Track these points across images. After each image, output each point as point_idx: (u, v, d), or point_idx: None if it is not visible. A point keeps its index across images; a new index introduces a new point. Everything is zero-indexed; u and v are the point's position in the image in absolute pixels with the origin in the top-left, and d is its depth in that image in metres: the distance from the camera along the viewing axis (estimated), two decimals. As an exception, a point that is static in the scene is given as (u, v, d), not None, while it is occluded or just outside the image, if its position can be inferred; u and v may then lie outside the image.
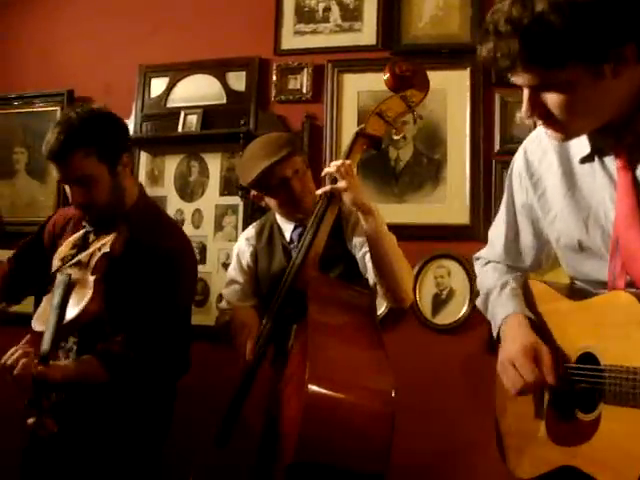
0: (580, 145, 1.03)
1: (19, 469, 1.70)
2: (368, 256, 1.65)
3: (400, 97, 1.59)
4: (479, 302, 1.32)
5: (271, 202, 1.77)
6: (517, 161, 1.21)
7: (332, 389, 1.30)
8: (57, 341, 1.41)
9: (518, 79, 0.94)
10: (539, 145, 1.13)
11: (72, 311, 1.44)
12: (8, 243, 2.26)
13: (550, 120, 0.96)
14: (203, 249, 2.51)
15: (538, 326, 1.15)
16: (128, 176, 1.69)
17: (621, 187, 0.99)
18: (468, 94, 2.31)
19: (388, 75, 1.60)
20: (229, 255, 2.47)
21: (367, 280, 1.67)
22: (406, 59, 1.88)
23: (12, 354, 1.41)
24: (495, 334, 1.20)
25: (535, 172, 1.16)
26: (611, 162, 1.01)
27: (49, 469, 1.64)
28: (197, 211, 2.55)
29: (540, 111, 0.95)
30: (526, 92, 0.95)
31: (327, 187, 1.54)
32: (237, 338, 1.64)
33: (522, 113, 0.98)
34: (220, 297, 1.96)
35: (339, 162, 1.54)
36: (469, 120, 2.30)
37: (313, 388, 1.27)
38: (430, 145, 2.33)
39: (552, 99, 0.93)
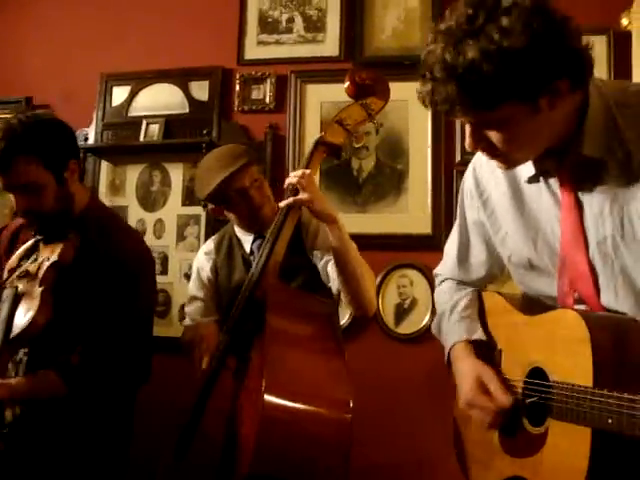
0: (526, 166, 1.05)
1: None
2: (330, 264, 1.65)
3: (360, 105, 1.59)
4: (433, 327, 1.34)
5: (230, 215, 1.76)
6: (467, 179, 1.23)
7: (289, 399, 1.29)
8: (4, 356, 1.38)
9: (459, 117, 0.95)
10: (487, 164, 1.14)
11: (19, 325, 1.41)
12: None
13: (494, 152, 0.98)
14: (165, 259, 2.49)
15: (487, 342, 1.18)
16: (76, 182, 1.64)
17: (565, 207, 1.02)
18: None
19: (348, 83, 1.59)
20: (191, 265, 2.45)
21: (330, 289, 1.67)
22: (368, 69, 1.89)
23: None
24: (446, 361, 1.23)
25: (484, 190, 1.18)
26: (555, 183, 1.03)
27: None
28: (159, 221, 2.52)
29: (483, 145, 0.97)
30: (468, 128, 0.97)
31: (290, 199, 1.52)
32: (193, 352, 1.63)
33: (466, 146, 1.00)
34: (183, 314, 1.93)
35: (299, 172, 1.53)
36: (430, 130, 2.34)
37: (269, 399, 1.26)
38: (392, 155, 2.36)
39: (493, 135, 0.95)
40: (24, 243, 1.67)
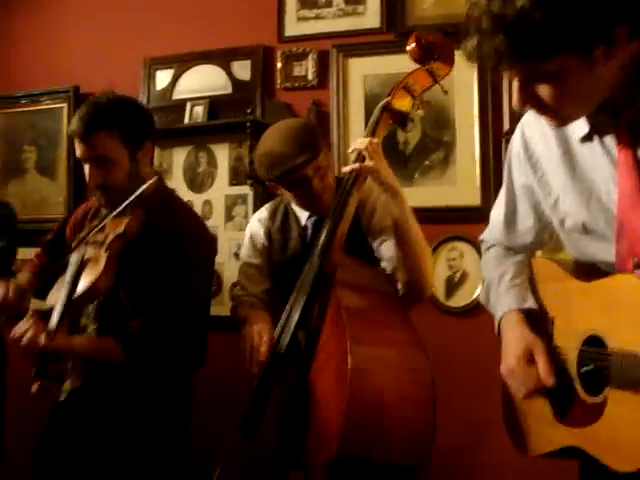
0: (578, 124, 1.00)
1: (38, 442, 1.73)
2: (385, 244, 1.62)
3: (426, 70, 1.53)
4: (481, 297, 1.31)
5: (288, 194, 1.73)
6: (515, 142, 1.18)
7: (376, 376, 1.28)
8: (67, 314, 1.42)
9: (507, 72, 0.91)
10: (536, 124, 1.10)
11: (82, 286, 1.46)
12: (22, 241, 2.28)
13: (544, 109, 0.94)
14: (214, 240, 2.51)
15: (539, 311, 1.13)
16: (147, 164, 1.70)
17: (622, 166, 0.96)
18: (475, 73, 2.28)
19: (414, 45, 1.51)
20: (240, 245, 2.47)
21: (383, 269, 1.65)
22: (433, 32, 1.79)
23: (20, 327, 1.43)
24: (496, 331, 1.19)
25: (534, 153, 1.13)
26: (611, 141, 0.98)
27: (66, 454, 1.66)
28: (207, 202, 2.56)
29: (532, 102, 0.93)
30: (516, 84, 0.92)
31: (356, 165, 1.48)
32: (244, 346, 1.61)
33: (514, 104, 0.95)
34: (233, 285, 1.94)
35: (366, 139, 1.49)
36: (477, 100, 2.28)
37: (356, 377, 1.24)
38: (438, 127, 2.31)
39: (544, 90, 0.90)
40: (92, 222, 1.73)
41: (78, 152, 1.61)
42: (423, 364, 1.34)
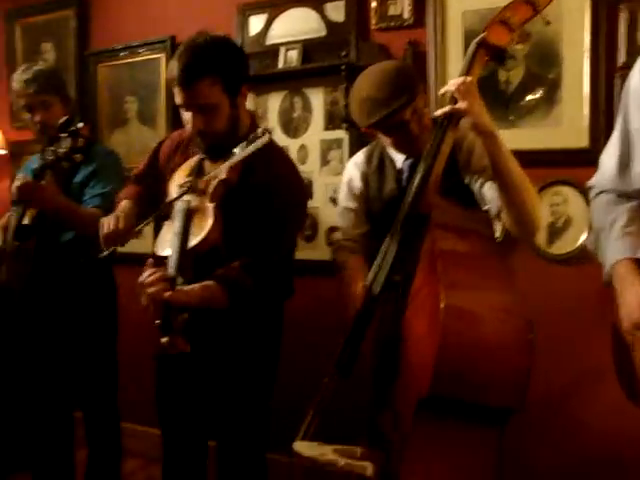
0: None
1: (155, 374, 1.89)
2: (486, 185, 1.58)
3: (525, 1, 1.45)
4: (589, 243, 1.24)
5: (384, 139, 1.71)
6: (633, 77, 1.09)
7: (469, 317, 1.27)
8: (181, 266, 1.45)
9: None
10: None
11: (195, 238, 1.49)
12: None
13: None
14: (310, 184, 2.53)
15: None
16: (243, 106, 1.71)
17: None
18: (588, 1, 2.10)
19: None
20: (336, 189, 2.47)
21: (485, 212, 1.61)
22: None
23: (148, 275, 1.47)
24: (605, 281, 1.13)
25: None
26: None
27: (180, 380, 1.81)
28: (302, 147, 2.56)
29: None
30: None
31: (447, 108, 1.45)
32: (344, 291, 1.66)
33: None
34: (329, 237, 1.97)
35: (459, 80, 1.44)
36: (589, 30, 2.09)
37: (449, 317, 1.23)
38: (544, 64, 2.17)
39: None
40: (183, 155, 1.77)
41: (178, 99, 1.60)
42: (519, 307, 1.31)
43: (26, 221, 2.15)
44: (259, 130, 1.56)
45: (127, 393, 2.62)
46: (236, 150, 1.55)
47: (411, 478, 1.32)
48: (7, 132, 3.35)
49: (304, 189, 1.78)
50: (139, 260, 1.56)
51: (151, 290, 1.43)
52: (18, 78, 2.29)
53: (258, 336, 1.77)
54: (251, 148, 1.53)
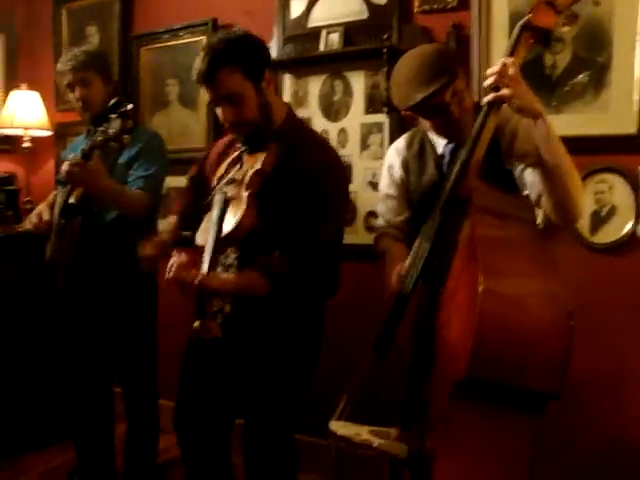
0: None
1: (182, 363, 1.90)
2: (528, 170, 1.56)
3: None
4: None
5: (425, 123, 1.70)
6: None
7: (507, 301, 1.25)
8: (216, 253, 1.48)
9: None
10: None
11: (228, 225, 1.52)
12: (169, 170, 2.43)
13: None
14: (349, 168, 2.52)
15: None
16: (272, 93, 1.73)
17: None
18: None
19: None
20: (375, 174, 2.47)
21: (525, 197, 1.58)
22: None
23: (175, 263, 1.51)
24: None
25: None
26: None
27: (207, 371, 1.82)
28: (342, 131, 2.55)
29: None
30: None
31: (490, 96, 1.42)
32: (390, 268, 1.66)
33: None
34: (368, 221, 1.96)
35: (500, 65, 1.41)
36: (641, 11, 2.02)
37: (487, 301, 1.22)
38: (592, 47, 2.10)
39: None
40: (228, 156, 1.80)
41: (208, 96, 1.66)
42: (559, 293, 1.29)
43: (72, 200, 2.20)
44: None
45: (165, 372, 2.68)
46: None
47: (446, 460, 1.32)
48: (53, 114, 3.43)
49: (345, 176, 1.78)
50: (180, 243, 1.60)
51: (182, 278, 1.47)
52: (62, 59, 2.37)
53: (296, 337, 1.78)
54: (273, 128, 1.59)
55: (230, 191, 1.61)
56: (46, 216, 2.32)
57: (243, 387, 1.81)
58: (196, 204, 1.87)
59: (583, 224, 2.15)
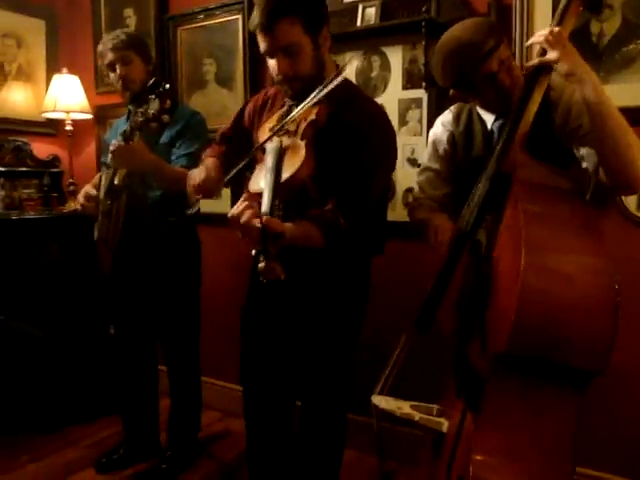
0: None
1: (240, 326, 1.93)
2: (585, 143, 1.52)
3: None
4: None
5: (474, 100, 1.66)
6: None
7: (551, 276, 1.24)
8: (275, 200, 1.44)
9: None
10: None
11: (287, 172, 1.49)
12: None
13: None
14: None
15: None
16: (327, 51, 1.70)
17: None
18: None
19: None
20: (414, 150, 2.44)
21: (579, 171, 1.54)
22: None
23: (238, 207, 1.47)
24: None
25: None
26: None
27: (264, 324, 1.85)
28: (380, 107, 2.52)
29: None
30: None
31: (535, 60, 1.39)
32: (436, 238, 1.64)
33: None
34: (407, 198, 1.93)
35: (546, 30, 1.38)
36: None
37: (530, 277, 1.22)
38: (642, 13, 2.03)
39: None
40: (271, 111, 1.79)
41: (262, 46, 1.61)
42: (605, 268, 1.26)
43: (116, 181, 2.24)
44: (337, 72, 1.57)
45: (208, 349, 2.73)
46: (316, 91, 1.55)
47: (488, 434, 1.31)
48: (92, 97, 3.49)
49: (393, 131, 1.73)
50: (219, 220, 1.59)
51: (244, 218, 1.42)
52: (103, 40, 2.41)
53: (347, 290, 1.79)
54: (331, 85, 1.52)
55: (284, 141, 1.58)
56: (92, 195, 2.37)
57: (300, 355, 1.84)
58: (232, 154, 1.85)
59: (630, 198, 2.09)
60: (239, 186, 1.75)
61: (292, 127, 1.59)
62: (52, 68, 3.55)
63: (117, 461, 2.58)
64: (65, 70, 3.38)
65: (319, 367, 1.82)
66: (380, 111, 1.75)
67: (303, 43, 1.59)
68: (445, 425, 1.49)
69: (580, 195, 1.47)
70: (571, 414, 1.31)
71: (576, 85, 1.40)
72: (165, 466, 2.52)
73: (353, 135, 1.61)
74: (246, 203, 1.44)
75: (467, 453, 1.33)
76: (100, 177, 2.42)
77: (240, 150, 1.80)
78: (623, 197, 2.09)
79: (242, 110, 1.97)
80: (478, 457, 1.31)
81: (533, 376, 1.29)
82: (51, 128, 3.62)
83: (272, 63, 1.64)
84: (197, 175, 1.72)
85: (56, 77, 3.36)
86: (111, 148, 2.19)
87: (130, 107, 2.42)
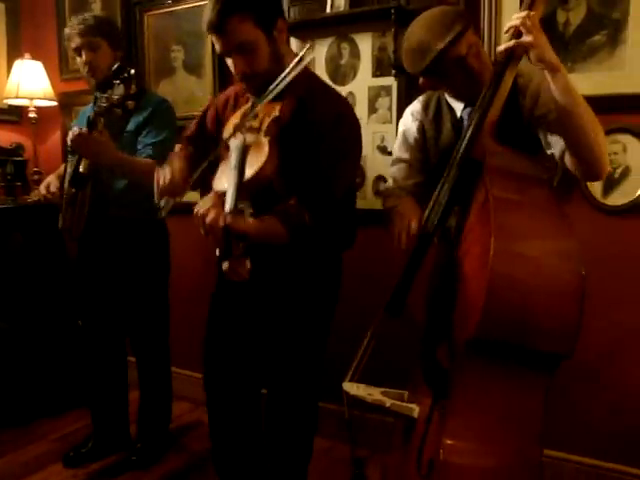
0: None
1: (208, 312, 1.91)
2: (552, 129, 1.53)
3: None
4: None
5: (443, 88, 1.67)
6: None
7: (520, 261, 1.26)
8: (238, 198, 1.43)
9: None
10: None
11: (250, 170, 1.48)
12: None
13: None
14: (357, 132, 2.48)
15: None
16: (285, 44, 1.68)
17: None
18: None
19: None
20: (384, 138, 2.44)
21: (546, 157, 1.56)
22: None
23: (203, 205, 1.46)
24: None
25: None
26: None
27: (232, 313, 1.83)
28: (350, 94, 2.50)
29: None
30: None
31: (511, 42, 1.39)
32: (394, 226, 1.64)
33: None
34: (377, 186, 1.93)
35: (523, 13, 1.38)
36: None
37: (499, 262, 1.23)
38: (607, 3, 2.04)
39: None
40: (235, 109, 1.76)
41: (218, 47, 1.59)
42: (573, 253, 1.29)
43: (81, 169, 2.20)
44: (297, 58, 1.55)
45: (179, 339, 2.71)
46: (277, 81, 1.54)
47: (458, 418, 1.33)
48: (57, 84, 3.40)
49: (358, 124, 1.72)
50: (188, 209, 1.57)
51: (208, 219, 1.42)
52: (70, 23, 2.35)
53: (316, 286, 1.78)
54: (289, 77, 1.51)
55: (248, 138, 1.56)
56: (54, 187, 2.32)
57: (266, 347, 1.83)
58: (198, 156, 1.80)
59: (596, 186, 2.13)
60: (208, 188, 1.72)
61: (256, 124, 1.57)
62: (14, 53, 3.44)
63: (85, 454, 2.54)
64: (27, 55, 3.28)
65: (285, 355, 1.81)
66: (344, 103, 1.73)
67: (257, 39, 1.56)
68: (416, 411, 1.50)
69: (548, 182, 1.49)
70: (539, 397, 1.34)
71: (546, 72, 1.41)
72: (135, 458, 2.50)
73: (316, 129, 1.60)
74: (212, 202, 1.43)
75: (437, 438, 1.35)
76: (65, 166, 2.36)
77: (206, 153, 1.78)
78: (589, 184, 2.13)
79: (204, 114, 1.92)
80: (448, 441, 1.32)
81: (501, 360, 1.31)
82: (14, 115, 3.52)
83: (230, 62, 1.61)
84: (161, 178, 1.68)
85: (18, 63, 3.26)
86: (70, 136, 2.13)
87: (96, 94, 2.36)
